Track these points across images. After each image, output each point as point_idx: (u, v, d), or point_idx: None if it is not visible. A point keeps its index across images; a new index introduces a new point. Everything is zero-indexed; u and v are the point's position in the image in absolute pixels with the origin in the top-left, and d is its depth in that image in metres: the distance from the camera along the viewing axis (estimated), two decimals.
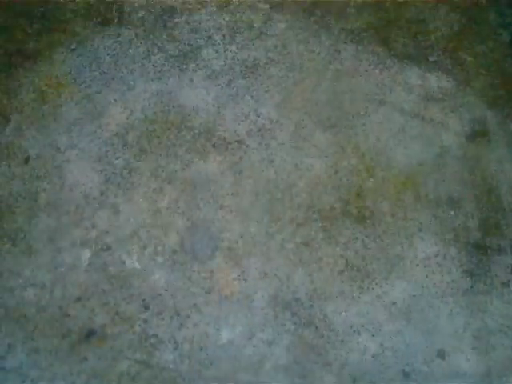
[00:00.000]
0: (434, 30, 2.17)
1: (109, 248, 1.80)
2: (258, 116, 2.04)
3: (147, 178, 1.86)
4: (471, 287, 1.73)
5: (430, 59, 2.08)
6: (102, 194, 1.93)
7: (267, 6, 2.20)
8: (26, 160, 1.98)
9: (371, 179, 1.97)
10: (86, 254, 1.75)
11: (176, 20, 2.20)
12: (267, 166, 1.89)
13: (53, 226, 1.88)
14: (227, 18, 2.19)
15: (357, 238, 1.78)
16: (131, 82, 2.07)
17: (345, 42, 2.13)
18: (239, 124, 1.98)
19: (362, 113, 1.99)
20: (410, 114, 1.97)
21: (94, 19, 2.27)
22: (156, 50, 2.12)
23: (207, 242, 1.75)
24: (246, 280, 1.80)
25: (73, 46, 2.17)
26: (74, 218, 1.86)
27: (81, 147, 2.02)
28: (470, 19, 2.24)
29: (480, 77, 2.07)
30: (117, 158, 1.90)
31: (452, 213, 1.81)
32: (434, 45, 2.17)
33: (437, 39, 2.14)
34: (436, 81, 2.06)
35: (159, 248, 1.75)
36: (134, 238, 1.78)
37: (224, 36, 2.17)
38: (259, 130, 1.97)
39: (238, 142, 1.92)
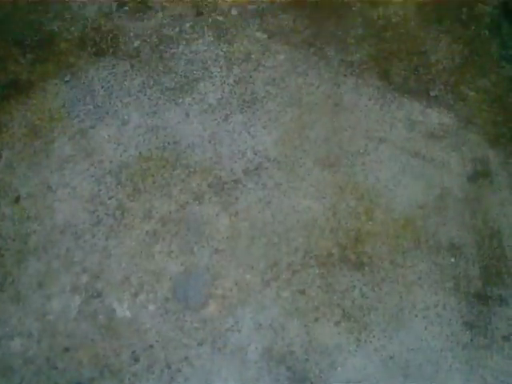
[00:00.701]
0: (436, 63, 2.09)
1: (99, 295, 1.76)
2: (255, 154, 1.97)
3: (140, 220, 1.78)
4: (471, 340, 1.65)
5: (432, 94, 2.00)
6: (93, 236, 1.88)
7: (265, 36, 2.13)
8: (17, 199, 1.93)
9: (370, 222, 1.92)
10: (76, 301, 1.67)
11: (173, 50, 2.12)
12: (264, 208, 1.80)
13: (43, 270, 1.82)
14: (224, 49, 2.11)
15: (354, 286, 1.69)
16: (126, 117, 1.98)
17: (344, 75, 2.04)
18: (236, 162, 1.90)
19: (361, 151, 1.90)
20: (410, 153, 1.88)
21: (89, 49, 2.21)
22: (152, 83, 2.03)
23: (200, 288, 1.68)
24: (239, 331, 1.76)
25: (67, 78, 2.10)
26: (64, 261, 1.80)
27: (73, 186, 1.96)
28: (472, 51, 2.18)
29: (482, 113, 1.99)
30: (109, 198, 1.82)
31: (452, 260, 1.73)
32: (435, 78, 2.10)
33: (438, 72, 2.06)
34: (437, 117, 1.99)
35: (151, 295, 1.67)
36: (125, 284, 1.71)
37: (221, 68, 2.10)
38: (256, 169, 1.89)
39: (234, 181, 1.83)
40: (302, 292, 1.80)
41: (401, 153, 1.94)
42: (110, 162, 2.01)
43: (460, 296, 1.79)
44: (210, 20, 2.19)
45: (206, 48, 2.23)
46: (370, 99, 2.07)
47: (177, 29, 2.18)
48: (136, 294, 1.79)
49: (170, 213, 1.87)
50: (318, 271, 1.81)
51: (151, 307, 1.77)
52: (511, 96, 2.01)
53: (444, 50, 2.20)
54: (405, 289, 1.80)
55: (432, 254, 1.86)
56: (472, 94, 2.08)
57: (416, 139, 2.03)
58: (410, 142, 2.03)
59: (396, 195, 1.89)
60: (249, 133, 2.05)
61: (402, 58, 2.19)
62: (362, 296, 1.79)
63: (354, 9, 2.18)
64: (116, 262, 1.83)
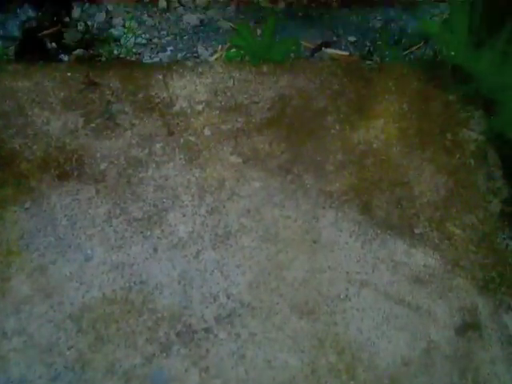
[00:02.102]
0: (420, 195, 1.95)
1: None
2: (228, 297, 1.83)
3: (102, 375, 1.61)
4: None
5: (416, 231, 1.86)
6: None
7: (240, 161, 1.98)
8: None
9: (352, 382, 1.74)
10: None
11: (141, 175, 1.97)
12: (237, 363, 1.63)
13: None
14: (197, 174, 1.95)
15: None
16: (89, 251, 1.81)
17: (323, 207, 1.87)
18: (207, 307, 1.74)
19: (342, 296, 1.74)
20: (394, 300, 1.72)
21: (52, 171, 2.06)
22: (118, 212, 1.84)
23: None
24: None
25: (27, 205, 1.95)
26: None
27: (30, 332, 1.77)
28: (458, 183, 2.07)
29: (469, 254, 1.84)
30: (69, 348, 1.65)
31: None
32: (419, 213, 1.97)
33: (422, 206, 1.90)
34: (422, 258, 1.85)
35: None
36: None
37: (193, 196, 1.95)
38: (229, 316, 1.73)
39: (205, 330, 1.66)
40: None
41: (384, 299, 1.76)
42: (71, 304, 1.84)
43: None
44: (182, 140, 2.03)
45: (176, 173, 2.09)
46: (350, 236, 1.91)
47: (146, 150, 2.03)
48: None
49: (135, 367, 1.71)
50: None
51: None
52: (499, 236, 1.83)
53: (428, 180, 2.08)
54: None
55: None
56: (458, 231, 1.94)
57: (400, 283, 1.87)
58: (393, 286, 1.88)
59: (379, 349, 1.74)
60: (221, 272, 1.90)
61: (383, 189, 2.06)
62: None
63: (333, 131, 2.02)
64: None
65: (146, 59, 2.22)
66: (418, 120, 2.09)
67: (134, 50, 2.22)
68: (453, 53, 2.10)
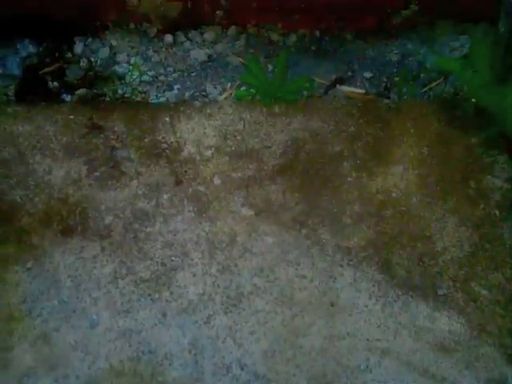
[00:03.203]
0: (442, 251, 1.91)
1: None
2: (242, 368, 1.77)
3: None
4: None
5: (439, 292, 1.80)
6: None
7: (252, 213, 1.94)
8: None
9: None
10: None
11: (148, 230, 1.93)
12: None
13: None
14: (207, 228, 1.91)
15: None
16: (94, 317, 1.77)
17: (341, 266, 1.77)
18: (220, 380, 1.74)
19: (362, 367, 1.71)
20: (418, 371, 1.68)
21: (55, 226, 1.99)
22: (124, 272, 1.73)
23: None
24: None
25: (29, 265, 1.90)
26: None
27: None
28: (483, 236, 1.99)
29: (496, 318, 1.83)
30: None
31: None
32: (442, 271, 1.92)
33: (446, 264, 1.83)
34: (447, 322, 1.83)
35: None
36: None
37: (203, 253, 1.92)
38: None
39: None
40: None
41: (407, 370, 1.74)
42: (77, 377, 1.75)
43: None
44: (191, 190, 1.99)
45: (185, 227, 1.99)
46: (370, 297, 1.86)
47: (153, 201, 2.00)
48: None
49: None
50: None
51: None
52: None
53: (451, 234, 1.99)
54: None
55: None
56: (484, 292, 1.88)
57: (423, 352, 1.78)
58: (416, 355, 1.79)
59: None
60: (234, 340, 1.81)
61: (404, 245, 1.97)
62: None
63: (349, 179, 1.90)
64: None
65: (153, 98, 2.08)
66: (438, 166, 2.01)
67: (139, 89, 2.08)
68: (474, 91, 1.90)
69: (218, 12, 2.25)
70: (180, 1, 2.20)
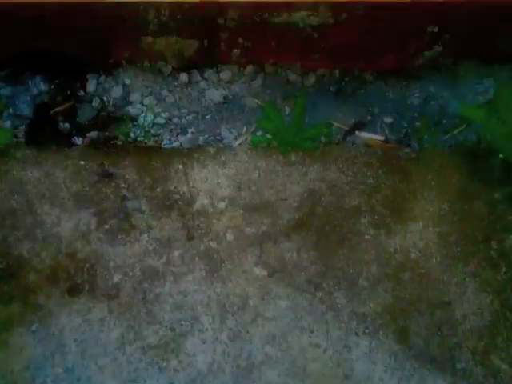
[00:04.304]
0: (462, 320, 1.86)
1: None
2: None
3: None
4: None
5: (458, 366, 1.73)
6: None
7: (265, 273, 1.89)
8: None
9: None
10: None
11: (158, 290, 1.90)
12: None
13: None
14: (218, 289, 1.87)
15: None
16: None
17: (356, 334, 1.70)
18: None
19: None
20: None
21: (62, 284, 1.92)
22: (132, 336, 1.68)
23: None
24: None
25: (34, 327, 1.84)
26: None
27: None
28: (504, 304, 1.93)
29: None
30: None
31: None
32: (461, 342, 1.83)
33: (465, 334, 1.83)
34: None
35: None
36: None
37: (213, 318, 1.86)
38: None
39: None
40: None
41: None
42: None
43: None
44: (202, 247, 1.95)
45: (196, 287, 1.91)
46: (385, 370, 1.79)
47: (164, 258, 1.94)
48: None
49: None
50: None
51: None
52: None
53: (471, 301, 1.89)
54: None
55: None
56: (504, 367, 1.80)
57: None
58: None
59: None
60: None
61: (422, 312, 1.88)
62: None
63: (366, 237, 1.81)
64: None
65: (166, 143, 1.99)
66: (459, 223, 1.97)
67: (152, 132, 1.96)
68: (498, 141, 1.76)
69: (235, 50, 2.16)
70: (196, 39, 2.12)
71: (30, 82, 2.11)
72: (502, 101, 1.87)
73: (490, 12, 2.04)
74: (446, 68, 2.11)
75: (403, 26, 2.08)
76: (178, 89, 2.12)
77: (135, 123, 2.04)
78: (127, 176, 1.92)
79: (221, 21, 2.07)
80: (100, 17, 2.02)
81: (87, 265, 1.78)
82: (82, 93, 2.10)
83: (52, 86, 2.11)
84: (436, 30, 2.10)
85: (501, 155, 1.89)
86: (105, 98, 2.10)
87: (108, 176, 1.92)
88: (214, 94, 2.08)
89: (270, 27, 2.06)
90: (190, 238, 1.81)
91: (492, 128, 1.89)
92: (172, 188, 1.91)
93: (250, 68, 2.10)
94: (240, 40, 2.14)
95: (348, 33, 2.10)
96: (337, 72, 2.13)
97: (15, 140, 2.05)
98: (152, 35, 2.14)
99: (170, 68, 2.12)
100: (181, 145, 2.03)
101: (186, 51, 2.20)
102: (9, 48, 2.17)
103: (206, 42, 2.17)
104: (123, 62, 2.10)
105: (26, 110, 2.06)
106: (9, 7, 1.99)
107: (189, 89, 2.11)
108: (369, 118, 2.07)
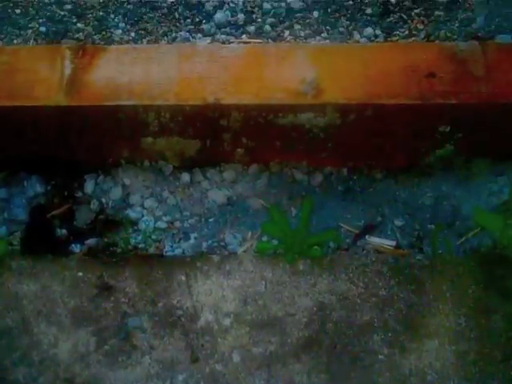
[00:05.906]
0: None
1: None
2: None
3: None
4: None
5: None
6: None
7: None
8: None
9: None
10: None
11: None
12: None
13: None
14: None
15: None
16: None
17: None
18: None
19: None
20: None
21: None
22: None
23: None
24: None
25: None
26: None
27: None
28: None
29: None
30: None
31: None
32: None
33: None
34: None
35: None
36: None
37: None
38: None
39: None
40: None
41: None
42: None
43: None
44: (207, 370, 1.85)
45: None
46: None
47: (167, 383, 1.83)
48: None
49: None
50: None
51: None
52: None
53: None
54: None
55: None
56: None
57: None
58: None
59: None
60: None
61: None
62: None
63: (380, 357, 1.82)
64: None
65: (168, 250, 1.83)
66: (477, 341, 1.87)
67: (153, 237, 1.78)
68: None
69: (238, 150, 2.08)
70: (198, 139, 2.04)
71: (25, 182, 1.97)
72: None
73: (503, 112, 1.99)
74: (459, 166, 1.95)
75: (414, 127, 2.01)
76: (180, 189, 2.00)
77: (135, 227, 1.91)
78: (127, 289, 1.80)
79: (224, 122, 1.99)
80: (94, 119, 1.98)
81: None
82: (79, 194, 2.00)
83: (48, 188, 2.01)
84: (448, 129, 2.02)
85: None
86: (103, 200, 1.98)
87: (107, 289, 1.79)
88: (217, 195, 1.97)
89: (275, 128, 1.99)
90: (195, 359, 1.70)
91: (509, 235, 1.88)
92: (175, 302, 1.80)
93: (254, 167, 1.99)
94: (244, 140, 2.07)
95: (356, 133, 2.02)
96: (344, 170, 1.99)
97: (10, 248, 1.88)
98: (152, 136, 2.06)
99: (171, 167, 1.99)
100: (183, 252, 1.90)
101: (188, 151, 2.13)
102: (2, 151, 2.11)
103: (208, 142, 2.09)
104: (122, 161, 1.97)
105: (22, 213, 1.94)
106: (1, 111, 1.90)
107: (191, 189, 2.00)
108: (379, 219, 1.93)
